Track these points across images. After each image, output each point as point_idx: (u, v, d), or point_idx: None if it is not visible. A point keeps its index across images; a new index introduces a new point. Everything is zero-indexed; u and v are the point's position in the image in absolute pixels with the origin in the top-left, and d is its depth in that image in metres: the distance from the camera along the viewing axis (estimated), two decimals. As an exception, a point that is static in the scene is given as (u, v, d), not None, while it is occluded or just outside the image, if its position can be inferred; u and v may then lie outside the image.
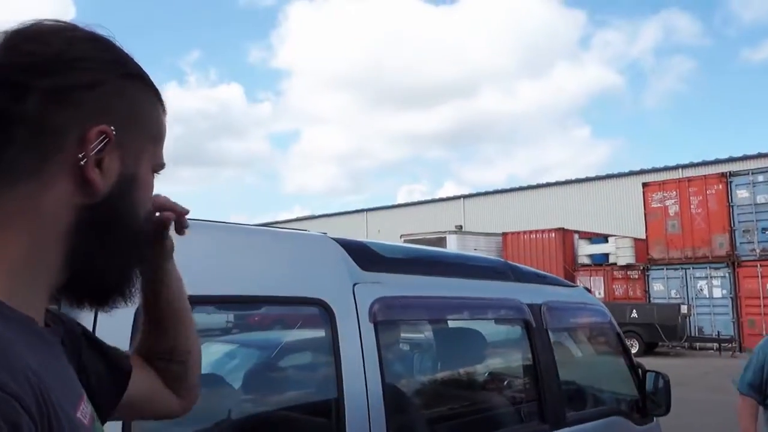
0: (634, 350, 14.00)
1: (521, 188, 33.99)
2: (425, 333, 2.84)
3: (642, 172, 28.45)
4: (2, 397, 0.48)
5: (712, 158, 26.76)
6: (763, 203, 17.37)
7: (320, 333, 1.93)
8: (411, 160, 73.51)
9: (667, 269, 19.11)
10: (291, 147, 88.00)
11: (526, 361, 2.77)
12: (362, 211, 40.46)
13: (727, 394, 8.14)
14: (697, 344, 17.85)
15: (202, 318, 1.50)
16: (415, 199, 39.72)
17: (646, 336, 16.84)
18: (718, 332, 17.38)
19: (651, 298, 19.20)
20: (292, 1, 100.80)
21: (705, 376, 12.54)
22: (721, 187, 18.19)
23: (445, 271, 2.50)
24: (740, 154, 26.03)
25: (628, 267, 20.44)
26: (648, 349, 16.75)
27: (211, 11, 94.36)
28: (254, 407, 2.04)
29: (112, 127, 0.63)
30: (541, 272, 3.35)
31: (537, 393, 2.61)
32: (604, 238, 22.54)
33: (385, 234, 30.16)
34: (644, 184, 20.49)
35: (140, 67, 0.70)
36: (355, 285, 1.95)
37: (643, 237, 20.33)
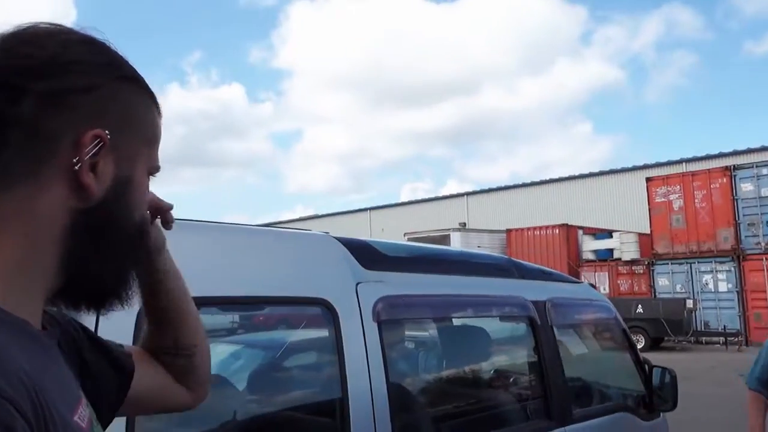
0: (639, 345, 13.99)
1: (524, 185, 33.94)
2: (429, 331, 2.83)
3: (645, 166, 28.37)
4: None
5: (715, 152, 26.67)
6: (767, 196, 17.31)
7: (324, 333, 1.92)
8: (414, 158, 73.57)
9: (672, 264, 19.07)
10: (293, 147, 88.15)
11: (531, 358, 2.76)
12: (365, 210, 40.46)
13: (733, 389, 8.14)
14: (703, 338, 17.81)
15: (204, 319, 1.49)
16: (419, 197, 39.75)
17: (652, 331, 16.81)
18: (724, 326, 17.34)
19: (656, 293, 19.16)
20: (292, 0, 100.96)
21: (711, 370, 12.51)
22: (725, 180, 18.13)
23: (449, 269, 2.49)
24: (744, 148, 25.92)
25: (632, 262, 20.40)
26: (654, 344, 16.72)
27: (211, 12, 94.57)
28: (258, 407, 2.04)
29: (107, 131, 0.63)
30: (546, 269, 3.34)
31: (543, 390, 2.60)
32: (608, 234, 22.49)
33: (389, 232, 30.18)
34: (648, 179, 20.43)
35: (135, 70, 0.70)
36: (358, 284, 1.95)
37: (648, 232, 20.28)
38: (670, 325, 16.58)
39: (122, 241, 0.67)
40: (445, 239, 21.61)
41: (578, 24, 72.45)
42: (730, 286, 17.93)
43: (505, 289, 2.68)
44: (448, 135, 72.38)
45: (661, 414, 3.36)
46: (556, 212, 28.20)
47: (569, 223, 22.93)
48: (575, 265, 21.19)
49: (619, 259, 20.95)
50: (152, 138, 0.72)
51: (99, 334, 1.18)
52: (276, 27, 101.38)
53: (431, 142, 76.59)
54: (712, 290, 18.21)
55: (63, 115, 0.61)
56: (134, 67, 0.70)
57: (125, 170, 0.66)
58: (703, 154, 27.09)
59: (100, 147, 0.62)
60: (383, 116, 75.13)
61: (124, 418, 1.29)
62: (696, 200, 18.61)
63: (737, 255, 17.73)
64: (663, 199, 19.36)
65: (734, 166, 18.58)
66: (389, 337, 2.02)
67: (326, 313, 1.84)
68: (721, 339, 17.29)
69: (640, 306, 17.16)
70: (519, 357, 3.01)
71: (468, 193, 36.32)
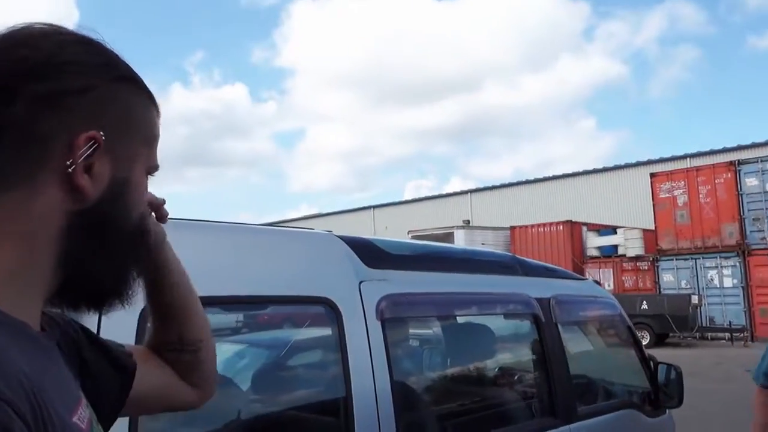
0: (644, 342, 13.94)
1: (528, 182, 33.89)
2: (433, 329, 2.82)
3: (649, 162, 28.28)
4: None
5: (720, 147, 26.56)
6: (772, 191, 17.24)
7: (327, 332, 1.92)
8: (417, 156, 73.65)
9: (676, 260, 19.00)
10: (296, 146, 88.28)
11: (535, 355, 2.75)
12: (369, 208, 40.47)
13: (739, 384, 8.11)
14: (709, 334, 17.74)
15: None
16: (422, 195, 39.71)
17: (657, 327, 16.75)
18: (730, 322, 17.27)
19: (661, 289, 19.10)
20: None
21: (717, 366, 12.46)
22: (729, 175, 18.05)
23: (452, 267, 2.49)
24: (749, 142, 25.83)
25: (637, 258, 20.34)
26: (659, 341, 16.67)
27: (213, 11, 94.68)
28: (262, 407, 2.04)
29: (102, 133, 0.62)
30: (550, 266, 3.33)
31: (547, 388, 2.59)
32: (612, 230, 22.43)
33: (393, 230, 30.20)
34: (652, 175, 20.36)
35: (132, 70, 0.70)
36: (361, 283, 1.94)
37: (652, 228, 20.22)
38: (675, 321, 16.53)
39: (121, 241, 0.67)
40: (448, 237, 21.59)
41: (580, 19, 72.29)
42: (735, 281, 17.86)
43: (509, 286, 2.67)
44: (451, 132, 72.46)
45: (667, 411, 3.35)
46: (560, 209, 28.16)
47: (573, 220, 22.86)
48: (579, 261, 21.14)
49: (624, 255, 20.89)
50: (150, 138, 0.71)
51: (102, 333, 1.18)
52: (278, 26, 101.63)
53: (434, 139, 76.63)
54: (718, 286, 18.14)
55: (57, 117, 0.60)
56: (132, 67, 0.70)
57: (122, 171, 0.66)
58: (707, 149, 27.05)
59: (95, 148, 0.62)
60: (386, 114, 75.20)
61: (127, 418, 1.28)
62: (700, 196, 18.53)
63: (742, 250, 17.65)
64: (667, 195, 19.29)
65: (739, 161, 18.50)
66: (393, 336, 2.01)
67: (329, 311, 1.84)
68: (727, 335, 17.22)
69: (644, 302, 17.11)
70: (523, 354, 3.00)
71: (471, 191, 36.29)
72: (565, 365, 2.66)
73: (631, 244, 20.96)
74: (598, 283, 3.76)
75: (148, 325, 0.94)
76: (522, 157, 68.73)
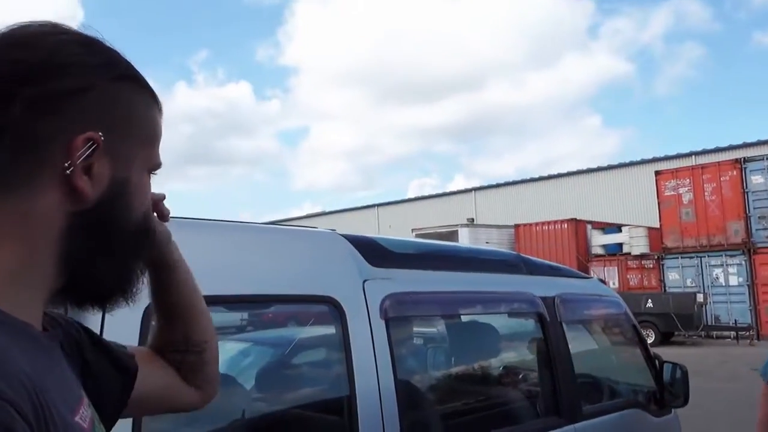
0: (650, 340, 13.91)
1: (533, 179, 33.80)
2: (437, 328, 2.82)
3: (654, 160, 28.17)
4: None
5: (725, 144, 26.43)
6: (778, 189, 17.17)
7: (331, 330, 1.91)
8: (421, 154, 73.63)
9: (681, 258, 18.94)
10: (300, 144, 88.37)
11: (540, 354, 2.74)
12: (373, 206, 40.45)
13: (745, 383, 8.08)
14: (714, 333, 17.68)
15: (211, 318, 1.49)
16: (426, 193, 39.65)
17: (662, 326, 16.70)
18: (735, 320, 17.21)
19: (666, 288, 19.04)
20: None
21: (723, 364, 12.43)
22: (735, 173, 17.97)
23: (456, 266, 2.48)
24: (754, 140, 25.69)
25: (642, 256, 20.29)
26: (664, 339, 16.62)
27: (217, 10, 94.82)
28: (266, 406, 2.04)
29: (100, 133, 0.62)
30: (555, 264, 3.32)
31: (552, 387, 2.59)
32: (617, 228, 22.37)
33: (397, 229, 30.17)
34: (657, 173, 20.29)
35: (134, 69, 0.69)
36: (365, 282, 1.94)
37: (657, 226, 20.15)
38: (681, 320, 16.47)
39: (123, 240, 0.67)
40: (453, 235, 21.56)
41: (585, 16, 72.14)
42: (740, 279, 17.80)
43: (513, 285, 2.66)
44: (455, 130, 72.35)
45: (672, 410, 3.33)
46: (565, 207, 28.09)
47: (578, 218, 22.82)
48: (584, 259, 21.09)
49: (629, 253, 20.83)
50: (152, 137, 0.71)
51: (105, 331, 1.18)
52: (281, 24, 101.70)
53: (438, 137, 76.58)
54: (723, 284, 18.08)
55: (55, 119, 0.60)
56: (133, 65, 0.69)
57: (123, 171, 0.66)
58: (712, 146, 26.86)
59: (94, 149, 0.62)
60: (389, 112, 75.20)
61: (131, 419, 1.28)
62: (706, 193, 18.46)
63: (748, 248, 17.58)
64: (672, 193, 19.22)
65: (744, 158, 18.42)
66: (397, 335, 2.01)
67: (333, 310, 1.83)
68: (732, 333, 17.16)
69: (649, 300, 17.06)
70: (528, 354, 2.99)
71: (476, 189, 36.22)
72: (569, 364, 2.65)
73: (636, 243, 20.90)
74: (602, 281, 3.75)
75: (152, 323, 0.94)
76: (526, 155, 68.64)
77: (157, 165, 0.72)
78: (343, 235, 2.05)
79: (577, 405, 2.63)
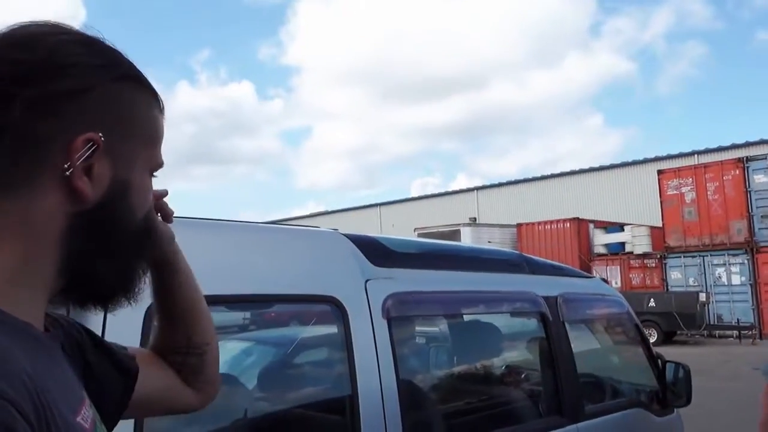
0: (652, 339, 13.85)
1: (535, 179, 33.77)
2: (439, 328, 2.81)
3: (657, 159, 28.14)
4: None
5: (728, 143, 26.38)
6: (781, 188, 17.13)
7: (333, 330, 1.91)
8: (423, 153, 73.62)
9: (684, 257, 18.92)
10: (303, 143, 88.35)
11: (542, 354, 2.74)
12: (375, 205, 40.46)
13: (747, 382, 8.06)
14: (717, 332, 17.65)
15: (213, 317, 1.49)
16: (429, 193, 39.64)
17: (665, 325, 16.69)
18: (738, 319, 17.19)
19: (669, 287, 19.02)
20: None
21: (724, 364, 12.41)
22: (737, 172, 17.94)
23: (459, 265, 2.48)
24: (757, 139, 25.63)
25: (644, 256, 20.26)
26: (666, 338, 16.61)
27: (219, 9, 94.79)
28: (268, 405, 2.03)
29: (101, 134, 0.62)
30: (557, 263, 3.32)
31: (554, 387, 2.58)
32: (619, 227, 22.34)
33: (399, 228, 30.19)
34: (659, 172, 20.26)
35: (135, 69, 0.69)
36: (367, 281, 1.93)
37: (660, 225, 20.13)
38: (683, 319, 16.45)
39: (125, 240, 0.67)
40: (455, 234, 21.56)
41: (587, 16, 72.16)
42: (743, 278, 17.77)
43: (515, 284, 2.66)
44: (457, 129, 72.30)
45: (675, 409, 3.33)
46: (567, 206, 28.06)
47: (580, 217, 22.80)
48: (587, 259, 21.07)
49: (631, 252, 20.81)
50: (154, 137, 0.71)
51: (107, 331, 1.18)
52: (284, 24, 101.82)
53: (440, 136, 76.58)
54: (726, 283, 18.05)
55: (55, 120, 0.60)
56: (135, 65, 0.69)
57: (124, 172, 0.66)
58: (715, 145, 26.81)
59: (94, 150, 0.61)
60: (392, 111, 75.17)
61: (132, 419, 1.28)
62: (708, 192, 18.43)
63: (750, 247, 17.55)
64: (675, 192, 19.19)
65: (747, 157, 18.39)
66: (399, 334, 2.01)
67: (335, 310, 1.83)
68: (735, 332, 17.14)
69: (652, 300, 17.04)
70: (530, 353, 2.99)
71: (478, 188, 36.21)
72: (572, 364, 2.64)
73: (638, 242, 20.87)
74: (605, 280, 3.74)
75: (154, 323, 0.93)
76: (529, 154, 68.57)
77: (158, 165, 0.72)
78: (345, 235, 2.05)
79: (580, 404, 2.63)
